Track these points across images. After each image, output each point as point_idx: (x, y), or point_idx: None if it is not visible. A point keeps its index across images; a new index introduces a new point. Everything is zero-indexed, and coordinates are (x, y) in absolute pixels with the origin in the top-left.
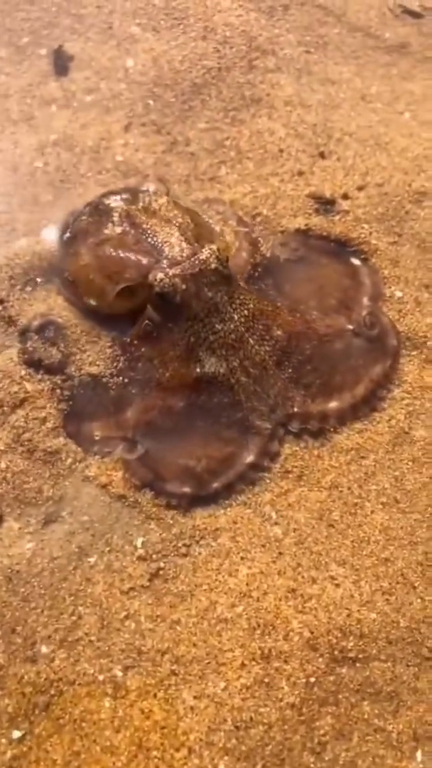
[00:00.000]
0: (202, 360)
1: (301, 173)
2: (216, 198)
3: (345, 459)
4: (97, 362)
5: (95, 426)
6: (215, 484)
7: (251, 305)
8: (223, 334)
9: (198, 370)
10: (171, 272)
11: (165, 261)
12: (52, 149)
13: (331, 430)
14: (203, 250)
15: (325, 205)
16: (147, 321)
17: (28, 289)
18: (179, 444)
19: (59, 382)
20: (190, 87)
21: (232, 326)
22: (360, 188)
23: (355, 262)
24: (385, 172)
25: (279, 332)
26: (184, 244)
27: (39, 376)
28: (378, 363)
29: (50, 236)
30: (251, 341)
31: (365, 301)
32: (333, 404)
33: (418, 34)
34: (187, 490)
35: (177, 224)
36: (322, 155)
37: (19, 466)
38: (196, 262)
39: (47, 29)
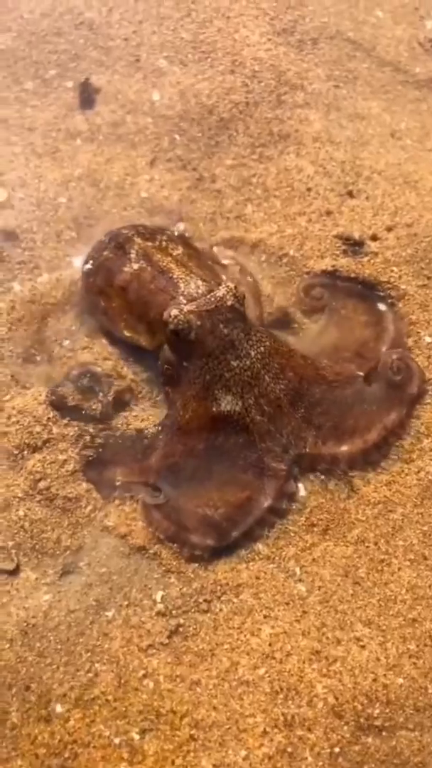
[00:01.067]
0: (218, 398)
1: (329, 213)
2: (240, 238)
3: (372, 512)
4: (145, 417)
5: (118, 471)
6: (234, 533)
7: (267, 343)
8: (239, 371)
9: (214, 409)
10: (186, 309)
11: (181, 297)
12: (77, 184)
13: (354, 478)
14: (220, 287)
15: (353, 246)
16: (166, 365)
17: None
18: (199, 490)
19: (91, 429)
20: (217, 122)
21: (248, 363)
22: (389, 229)
23: (381, 307)
24: (414, 211)
25: (291, 374)
26: (199, 282)
27: (65, 421)
28: (394, 410)
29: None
30: (267, 378)
31: (386, 347)
32: (344, 448)
33: None
34: (210, 542)
35: (192, 266)
36: (350, 194)
37: (37, 514)
38: (212, 299)
39: (74, 62)
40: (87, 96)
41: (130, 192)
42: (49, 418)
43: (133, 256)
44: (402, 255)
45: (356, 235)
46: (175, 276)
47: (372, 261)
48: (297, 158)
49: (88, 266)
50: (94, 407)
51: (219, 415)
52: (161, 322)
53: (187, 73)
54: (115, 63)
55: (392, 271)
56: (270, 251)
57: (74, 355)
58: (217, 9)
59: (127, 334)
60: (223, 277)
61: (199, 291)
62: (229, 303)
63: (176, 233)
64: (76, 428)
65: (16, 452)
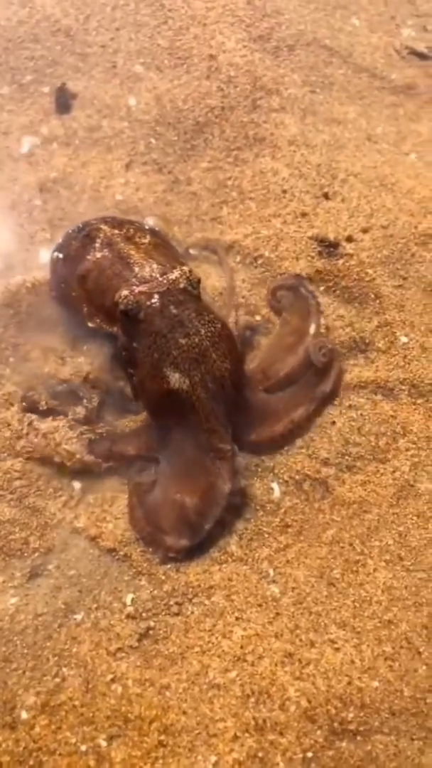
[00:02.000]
0: (167, 376)
1: (304, 214)
2: (216, 239)
3: (347, 513)
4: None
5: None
6: (207, 525)
7: (219, 325)
8: (187, 348)
9: (165, 386)
10: (137, 290)
11: (134, 279)
12: (52, 187)
13: (329, 478)
14: (174, 270)
15: (329, 247)
16: (123, 350)
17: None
18: (172, 478)
19: (70, 432)
20: (193, 126)
21: (197, 340)
22: (365, 230)
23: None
24: (390, 213)
25: (236, 359)
26: (155, 265)
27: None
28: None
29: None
30: (214, 356)
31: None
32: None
33: (425, 75)
34: (184, 542)
35: (154, 254)
36: (326, 196)
37: (5, 515)
38: (165, 281)
39: (51, 67)
40: (63, 101)
41: (105, 194)
42: (21, 421)
43: (97, 245)
44: (377, 256)
45: (331, 237)
46: (132, 261)
47: (347, 263)
48: (272, 161)
49: (54, 256)
50: (78, 412)
51: (171, 394)
52: (115, 306)
53: (163, 79)
54: (91, 69)
55: (367, 272)
56: (245, 252)
57: (51, 362)
58: (194, 17)
59: (90, 325)
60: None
61: (153, 274)
62: (181, 285)
63: (146, 227)
64: (58, 427)
65: None
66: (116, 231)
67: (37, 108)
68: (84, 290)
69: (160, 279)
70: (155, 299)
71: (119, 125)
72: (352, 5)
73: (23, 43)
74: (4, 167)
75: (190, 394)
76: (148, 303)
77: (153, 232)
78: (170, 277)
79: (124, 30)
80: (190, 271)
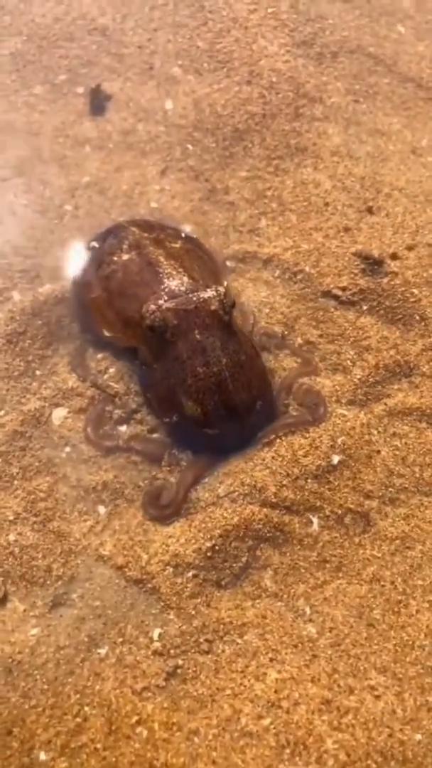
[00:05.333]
0: (181, 403)
1: (347, 229)
2: (253, 252)
3: (389, 549)
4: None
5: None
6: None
7: (243, 357)
8: (204, 377)
9: (178, 410)
10: (164, 305)
11: (162, 293)
12: (84, 192)
13: (372, 511)
14: (207, 289)
15: (373, 265)
16: (143, 364)
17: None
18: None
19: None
20: (232, 133)
21: (215, 369)
22: (410, 248)
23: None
24: None
25: (255, 390)
26: (185, 278)
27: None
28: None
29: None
30: (231, 387)
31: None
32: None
33: None
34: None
35: (184, 264)
36: (370, 210)
37: (28, 539)
38: (195, 299)
39: (86, 68)
40: (98, 102)
41: (139, 201)
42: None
43: (125, 246)
44: (423, 276)
45: (375, 254)
46: (161, 269)
47: (392, 281)
48: (314, 172)
49: (80, 261)
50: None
51: (185, 416)
52: (139, 318)
53: (202, 83)
54: (128, 70)
55: (412, 292)
56: (284, 267)
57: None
58: (235, 19)
59: (106, 334)
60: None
61: (182, 288)
62: (212, 307)
63: (182, 234)
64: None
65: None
66: (146, 234)
67: (70, 109)
68: (106, 292)
69: (190, 296)
70: (181, 321)
71: (155, 129)
72: (398, 12)
73: (58, 41)
74: (34, 170)
75: (202, 420)
76: (175, 323)
77: (187, 237)
78: (202, 296)
79: (162, 31)
80: (225, 294)
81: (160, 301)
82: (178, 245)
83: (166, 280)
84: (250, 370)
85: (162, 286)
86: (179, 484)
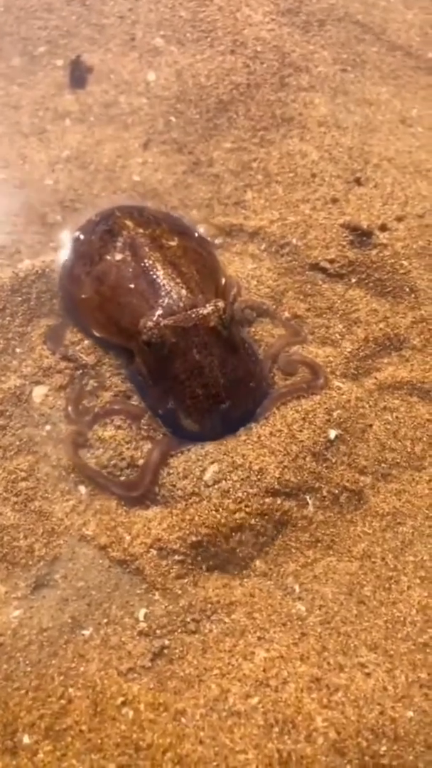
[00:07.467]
0: (179, 419)
1: (335, 201)
2: (239, 225)
3: (380, 525)
4: None
5: None
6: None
7: (241, 372)
8: (203, 399)
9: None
10: (163, 322)
11: (160, 307)
12: (64, 166)
13: (365, 488)
14: (207, 304)
15: (361, 236)
16: (139, 376)
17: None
18: None
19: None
20: (216, 104)
21: (214, 391)
22: (399, 219)
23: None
24: (426, 201)
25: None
26: (184, 292)
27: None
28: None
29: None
30: (229, 404)
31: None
32: None
33: None
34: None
35: (182, 270)
36: (358, 182)
37: (9, 519)
38: (193, 315)
39: (65, 39)
40: (78, 74)
41: (121, 175)
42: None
43: (119, 244)
44: (413, 247)
45: (364, 225)
46: (158, 279)
47: (380, 253)
48: (301, 143)
49: (69, 248)
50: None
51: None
52: (134, 329)
53: (185, 53)
54: (108, 41)
55: (402, 263)
56: (271, 240)
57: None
58: None
59: (97, 334)
60: (223, 281)
61: (181, 304)
62: (211, 324)
63: (179, 223)
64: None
65: None
66: (140, 230)
67: (49, 81)
68: (98, 295)
69: (189, 313)
70: (180, 339)
71: (137, 101)
72: None
73: (36, 12)
74: (13, 144)
75: (199, 433)
76: (173, 341)
77: (183, 230)
78: (201, 313)
79: (143, 0)
80: (224, 309)
81: (158, 317)
82: (175, 243)
83: (163, 293)
84: (249, 383)
85: (159, 300)
86: (145, 464)
